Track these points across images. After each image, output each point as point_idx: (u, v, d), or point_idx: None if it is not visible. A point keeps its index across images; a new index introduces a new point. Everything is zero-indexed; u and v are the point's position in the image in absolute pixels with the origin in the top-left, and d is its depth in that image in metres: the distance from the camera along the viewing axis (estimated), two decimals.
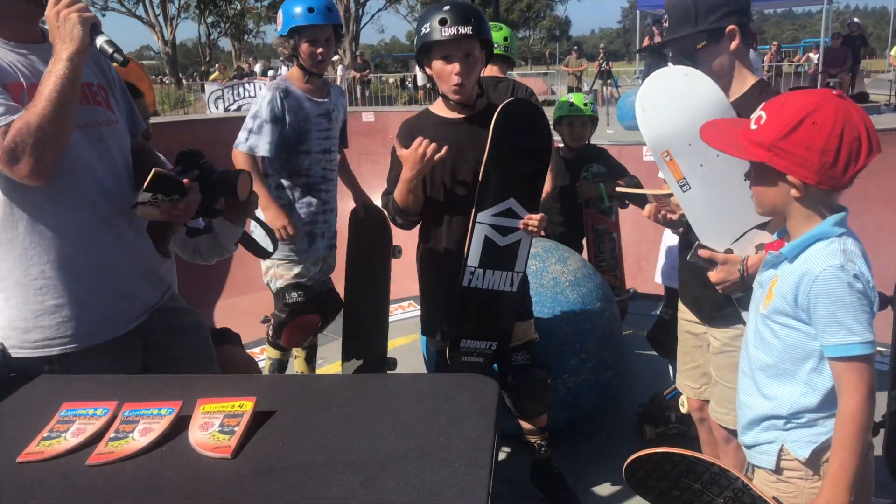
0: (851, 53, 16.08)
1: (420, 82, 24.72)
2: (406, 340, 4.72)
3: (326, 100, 3.45)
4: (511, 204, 2.56)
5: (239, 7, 41.39)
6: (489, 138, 2.49)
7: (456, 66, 2.45)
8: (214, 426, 1.46)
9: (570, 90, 21.25)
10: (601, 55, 20.29)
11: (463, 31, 2.40)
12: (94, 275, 2.00)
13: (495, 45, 4.35)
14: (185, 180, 2.03)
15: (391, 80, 28.55)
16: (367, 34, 71.19)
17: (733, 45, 2.23)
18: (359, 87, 22.70)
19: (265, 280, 3.53)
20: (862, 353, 1.59)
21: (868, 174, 2.16)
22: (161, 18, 36.84)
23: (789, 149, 1.61)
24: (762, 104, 1.71)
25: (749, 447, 1.89)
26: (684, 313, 2.61)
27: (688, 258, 2.22)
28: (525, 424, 2.99)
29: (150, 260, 2.23)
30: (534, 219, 2.55)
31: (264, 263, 3.43)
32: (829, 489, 1.61)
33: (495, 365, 2.83)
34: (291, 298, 3.41)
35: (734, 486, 1.74)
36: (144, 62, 22.97)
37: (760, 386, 1.82)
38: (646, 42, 16.60)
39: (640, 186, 3.76)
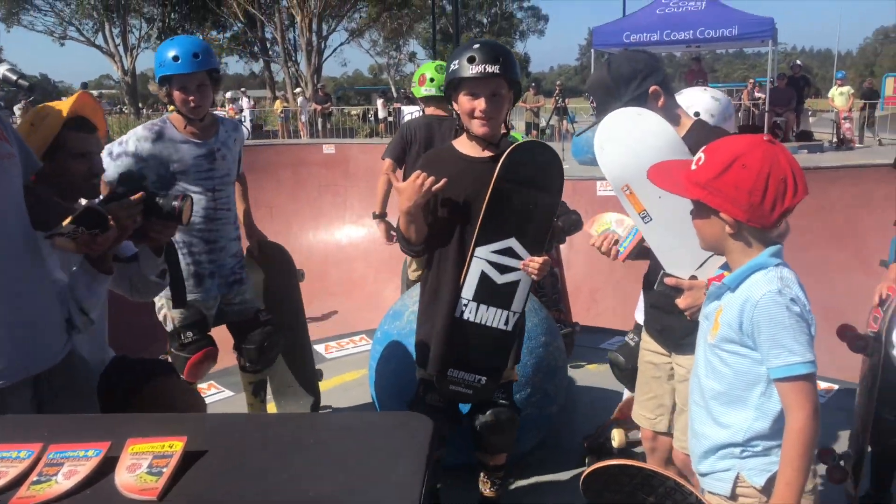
0: (796, 93, 16.66)
1: (381, 115, 24.87)
2: (356, 375, 4.69)
3: (212, 140, 3.39)
4: (512, 243, 2.58)
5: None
6: (495, 174, 2.52)
7: (482, 103, 2.50)
8: (142, 467, 1.44)
9: (528, 126, 21.61)
10: (557, 92, 20.65)
11: (491, 70, 2.46)
12: (6, 310, 1.95)
13: (441, 88, 4.49)
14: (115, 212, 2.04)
15: (353, 113, 28.65)
16: (330, 67, 71.44)
17: (660, 102, 2.39)
18: (320, 120, 22.74)
19: (159, 318, 3.48)
20: (804, 372, 1.68)
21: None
22: (121, 48, 36.56)
23: (721, 188, 1.73)
24: (703, 147, 1.83)
25: (704, 475, 1.94)
26: (648, 343, 2.67)
27: (655, 287, 2.33)
28: (483, 459, 2.98)
29: (57, 304, 2.16)
30: (535, 261, 2.55)
31: (157, 302, 3.38)
32: (782, 493, 1.67)
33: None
34: (187, 338, 3.38)
35: (688, 501, 1.78)
36: (104, 91, 22.72)
37: (715, 414, 1.87)
38: None
39: (579, 221, 3.85)
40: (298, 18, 33.83)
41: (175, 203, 2.28)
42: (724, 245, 1.82)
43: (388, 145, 4.64)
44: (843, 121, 16.77)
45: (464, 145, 2.68)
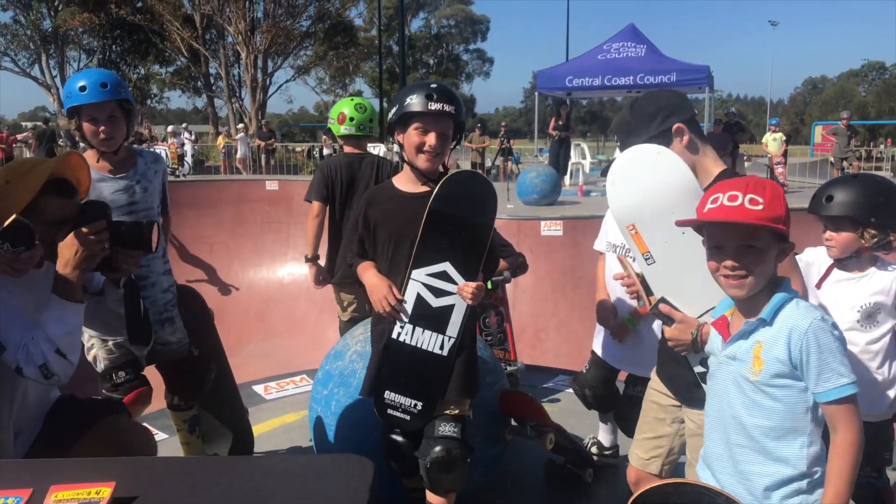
0: (731, 139, 17.29)
1: (326, 152, 24.85)
2: (296, 417, 4.59)
3: (129, 173, 3.28)
4: (446, 267, 2.65)
5: (142, 72, 40.75)
6: (430, 199, 2.61)
7: (432, 138, 2.63)
8: None
9: (474, 166, 21.89)
10: (502, 133, 21.01)
11: (447, 109, 2.60)
12: None
13: (360, 127, 4.53)
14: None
15: (298, 150, 28.55)
16: (276, 104, 71.28)
17: (684, 140, 2.39)
18: (264, 156, 22.58)
19: (88, 358, 3.36)
20: (852, 392, 1.77)
21: None
22: (58, 80, 35.80)
23: (787, 220, 1.87)
24: (740, 186, 1.88)
25: None
26: (656, 384, 2.65)
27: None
28: (432, 498, 2.86)
29: None
30: (469, 286, 2.63)
31: (86, 342, 3.24)
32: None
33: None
34: (119, 378, 3.25)
35: None
36: (38, 124, 22.07)
37: (769, 449, 1.88)
38: (552, 122, 17.32)
39: (524, 264, 3.90)
40: (244, 55, 33.75)
41: (143, 231, 2.25)
42: (770, 278, 1.90)
43: (309, 187, 4.59)
44: (776, 165, 17.45)
45: (402, 181, 2.81)
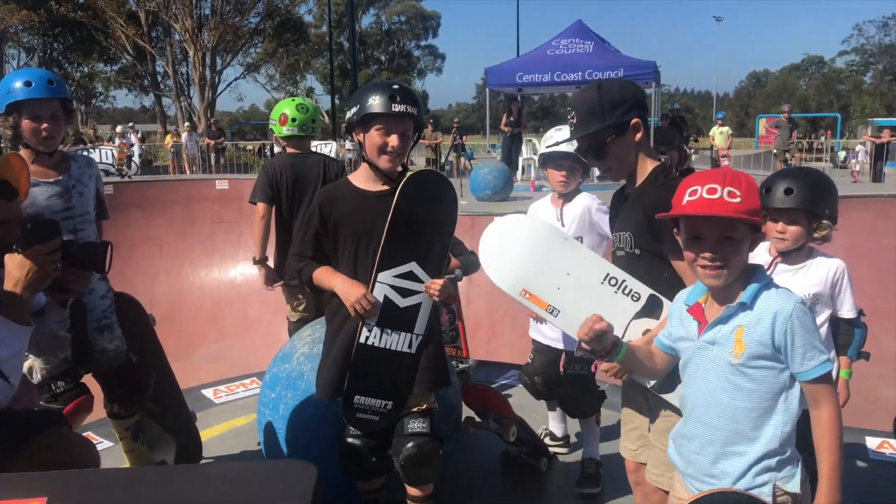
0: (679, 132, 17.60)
1: (277, 150, 24.58)
2: (246, 420, 4.52)
3: (63, 177, 3.18)
4: (412, 267, 2.69)
5: (86, 70, 39.73)
6: (393, 202, 2.63)
7: (394, 139, 2.65)
8: None
9: (428, 162, 21.87)
10: (455, 129, 21.03)
11: (410, 111, 2.64)
12: None
13: (303, 127, 4.50)
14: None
15: (249, 148, 28.17)
16: (225, 101, 70.18)
17: (638, 136, 2.44)
18: (213, 155, 22.22)
19: (24, 370, 3.26)
20: (831, 367, 1.89)
21: None
22: None
23: (760, 210, 1.94)
24: (717, 179, 1.92)
25: None
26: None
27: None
28: (410, 491, 2.91)
29: None
30: (435, 283, 2.69)
31: None
32: (828, 490, 1.86)
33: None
34: (58, 388, 3.17)
35: None
36: None
37: (745, 430, 1.94)
38: (504, 118, 17.40)
39: (477, 262, 3.92)
40: (191, 52, 33.13)
41: (97, 251, 2.19)
42: (742, 267, 1.96)
43: (254, 188, 4.53)
44: (722, 158, 17.83)
45: (360, 179, 2.80)
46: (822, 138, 28.76)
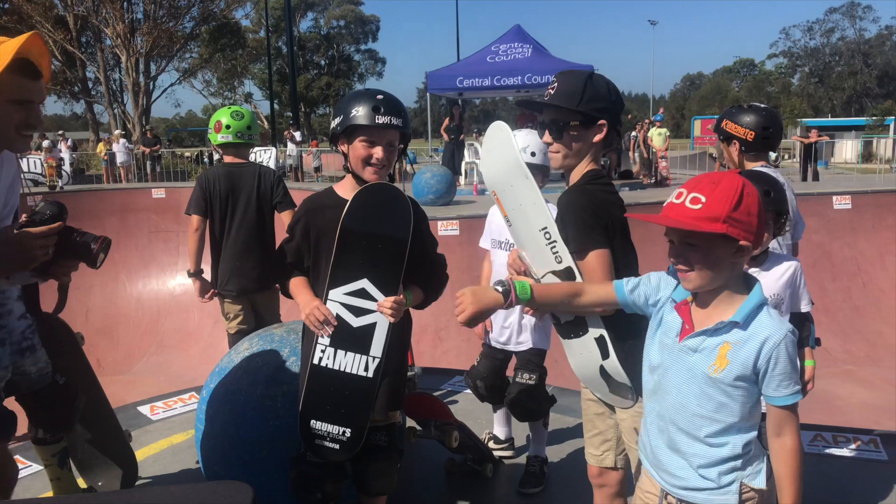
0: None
1: (216, 157, 24.13)
2: (185, 436, 4.38)
3: None
4: (364, 284, 2.58)
5: None
6: (342, 217, 2.54)
7: (379, 152, 2.56)
8: None
9: None
10: None
11: (395, 122, 2.55)
12: None
13: (238, 135, 4.42)
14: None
15: (187, 155, 27.60)
16: (161, 108, 68.65)
17: (597, 137, 2.42)
18: (149, 163, 21.68)
19: None
20: (800, 398, 1.89)
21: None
22: None
23: (740, 218, 1.83)
24: (693, 183, 1.90)
25: (700, 489, 1.95)
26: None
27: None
28: (363, 501, 2.88)
29: None
30: (387, 302, 2.58)
31: None
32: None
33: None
34: None
35: None
36: None
37: (708, 438, 1.94)
38: (446, 122, 17.42)
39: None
40: (124, 58, 32.22)
41: (93, 245, 2.10)
42: (724, 278, 1.90)
43: (189, 200, 4.45)
44: (660, 160, 18.21)
45: (346, 190, 2.71)
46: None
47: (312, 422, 2.62)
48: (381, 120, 2.53)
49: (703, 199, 1.84)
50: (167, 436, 4.45)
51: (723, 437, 1.93)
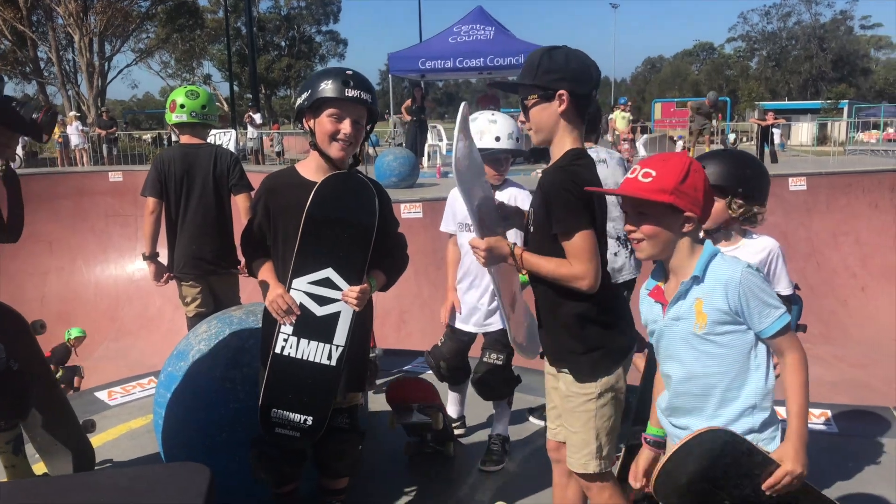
0: None
1: (175, 138, 23.68)
2: (143, 421, 4.33)
3: None
4: (329, 273, 2.56)
5: None
6: (306, 206, 2.51)
7: (347, 126, 2.55)
8: None
9: None
10: None
11: (364, 97, 2.55)
12: None
13: (192, 114, 4.34)
14: None
15: (145, 138, 27.07)
16: (118, 90, 67.07)
17: (561, 107, 2.38)
18: (105, 146, 21.19)
19: None
20: (788, 318, 2.00)
21: None
22: None
23: (686, 191, 2.03)
24: (647, 160, 2.11)
25: None
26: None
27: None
28: (326, 484, 2.89)
29: None
30: (353, 292, 2.56)
31: None
32: (799, 427, 1.96)
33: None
34: None
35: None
36: None
37: (725, 393, 2.05)
38: (408, 103, 17.31)
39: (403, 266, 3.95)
40: (76, 38, 31.36)
41: (35, 115, 2.01)
42: (674, 246, 2.08)
43: (145, 182, 4.39)
44: (622, 142, 18.35)
45: (309, 170, 2.69)
46: (714, 121, 30.06)
47: (273, 410, 2.60)
48: (350, 93, 2.52)
49: (654, 174, 2.04)
50: (126, 421, 4.40)
51: (737, 388, 2.04)
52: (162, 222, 4.38)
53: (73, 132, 21.02)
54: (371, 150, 19.48)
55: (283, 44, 60.39)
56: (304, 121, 2.66)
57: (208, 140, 4.59)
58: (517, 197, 3.58)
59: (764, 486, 1.95)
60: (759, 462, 1.97)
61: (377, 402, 4.55)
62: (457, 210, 3.73)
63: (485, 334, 3.72)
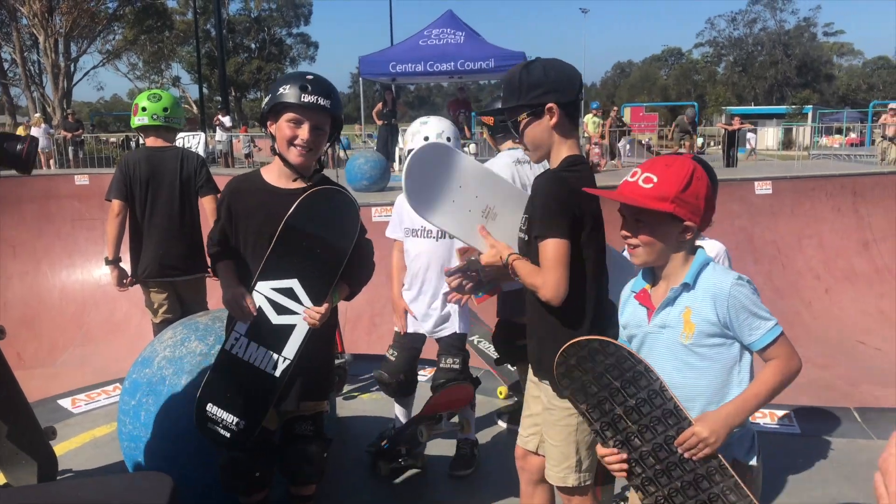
0: None
1: (143, 141, 23.37)
2: (108, 429, 4.27)
3: None
4: (293, 284, 2.53)
5: None
6: (288, 213, 2.48)
7: (305, 132, 2.53)
8: None
9: None
10: None
11: (323, 103, 2.51)
12: None
13: (154, 117, 4.30)
14: None
15: (112, 140, 26.69)
16: (84, 92, 66.01)
17: (553, 120, 2.35)
18: (71, 149, 20.85)
19: None
20: (780, 330, 1.93)
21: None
22: None
23: (687, 199, 1.97)
24: (648, 164, 2.04)
25: None
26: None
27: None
28: (293, 490, 2.87)
29: None
30: (316, 313, 2.55)
31: None
32: (737, 407, 1.91)
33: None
34: None
35: (651, 388, 1.92)
36: None
37: (703, 406, 1.97)
38: (378, 107, 17.27)
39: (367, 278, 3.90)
40: (41, 39, 30.83)
41: (20, 147, 1.98)
42: (671, 254, 2.02)
43: (110, 184, 4.35)
44: (592, 146, 18.48)
45: (272, 175, 2.69)
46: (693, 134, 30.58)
47: (209, 405, 2.59)
48: (307, 98, 2.50)
49: (655, 179, 1.97)
50: (89, 429, 4.34)
51: (715, 403, 1.96)
52: (127, 226, 4.33)
53: (40, 135, 20.66)
54: (342, 154, 19.45)
55: (253, 46, 60.00)
56: (267, 126, 2.65)
57: (177, 143, 4.55)
58: None
59: (676, 442, 1.91)
60: (648, 386, 1.93)
61: (346, 407, 4.54)
62: (404, 216, 3.68)
63: (439, 339, 3.69)
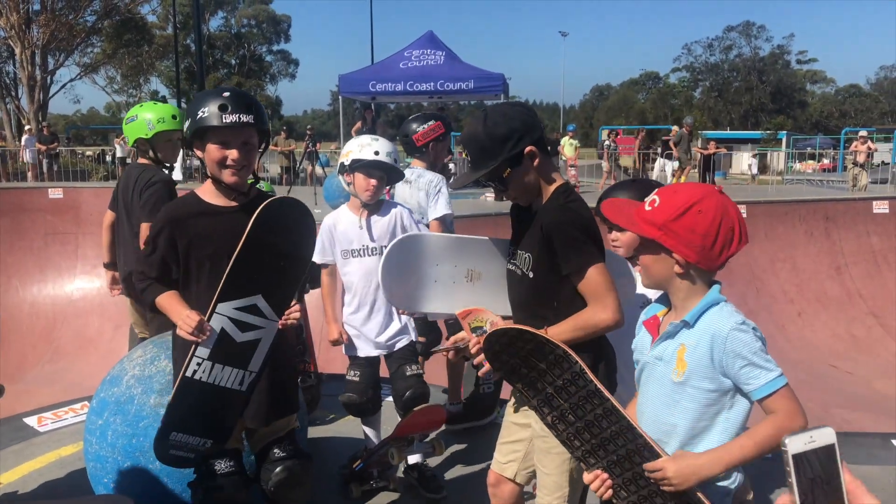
0: None
1: (120, 155, 23.13)
2: (75, 448, 4.17)
3: None
4: (257, 300, 2.47)
5: None
6: (248, 228, 2.39)
7: (234, 153, 2.44)
8: None
9: (282, 169, 21.37)
10: (308, 136, 20.66)
11: (245, 119, 2.41)
12: None
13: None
14: None
15: (88, 154, 26.40)
16: (60, 104, 65.32)
17: (536, 162, 2.33)
18: (46, 162, 20.60)
19: None
20: (783, 383, 1.80)
21: None
22: None
23: (677, 230, 1.87)
24: (657, 189, 1.98)
25: None
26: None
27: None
28: None
29: None
30: (295, 313, 2.62)
31: None
32: (715, 457, 1.83)
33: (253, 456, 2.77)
34: None
35: (573, 370, 1.95)
36: None
37: (682, 445, 1.92)
38: (358, 125, 17.27)
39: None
40: (18, 50, 30.52)
41: None
42: (670, 283, 1.96)
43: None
44: (569, 168, 18.61)
45: (209, 194, 2.59)
46: (659, 149, 30.83)
47: (174, 434, 2.51)
48: (228, 119, 2.40)
49: (657, 203, 1.93)
50: (55, 448, 4.24)
51: (693, 446, 1.91)
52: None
53: (28, 145, 20.58)
54: (320, 171, 19.38)
55: (233, 62, 59.83)
56: (193, 150, 2.53)
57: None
58: (403, 216, 3.63)
59: (646, 466, 1.88)
60: (602, 406, 1.95)
61: (318, 429, 4.49)
62: (336, 238, 3.62)
63: (395, 351, 3.64)
